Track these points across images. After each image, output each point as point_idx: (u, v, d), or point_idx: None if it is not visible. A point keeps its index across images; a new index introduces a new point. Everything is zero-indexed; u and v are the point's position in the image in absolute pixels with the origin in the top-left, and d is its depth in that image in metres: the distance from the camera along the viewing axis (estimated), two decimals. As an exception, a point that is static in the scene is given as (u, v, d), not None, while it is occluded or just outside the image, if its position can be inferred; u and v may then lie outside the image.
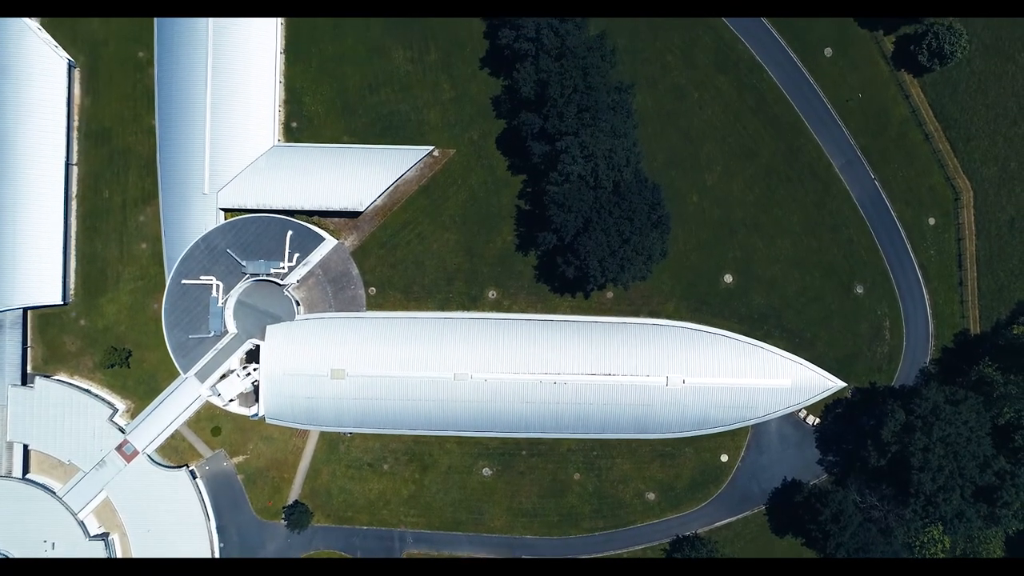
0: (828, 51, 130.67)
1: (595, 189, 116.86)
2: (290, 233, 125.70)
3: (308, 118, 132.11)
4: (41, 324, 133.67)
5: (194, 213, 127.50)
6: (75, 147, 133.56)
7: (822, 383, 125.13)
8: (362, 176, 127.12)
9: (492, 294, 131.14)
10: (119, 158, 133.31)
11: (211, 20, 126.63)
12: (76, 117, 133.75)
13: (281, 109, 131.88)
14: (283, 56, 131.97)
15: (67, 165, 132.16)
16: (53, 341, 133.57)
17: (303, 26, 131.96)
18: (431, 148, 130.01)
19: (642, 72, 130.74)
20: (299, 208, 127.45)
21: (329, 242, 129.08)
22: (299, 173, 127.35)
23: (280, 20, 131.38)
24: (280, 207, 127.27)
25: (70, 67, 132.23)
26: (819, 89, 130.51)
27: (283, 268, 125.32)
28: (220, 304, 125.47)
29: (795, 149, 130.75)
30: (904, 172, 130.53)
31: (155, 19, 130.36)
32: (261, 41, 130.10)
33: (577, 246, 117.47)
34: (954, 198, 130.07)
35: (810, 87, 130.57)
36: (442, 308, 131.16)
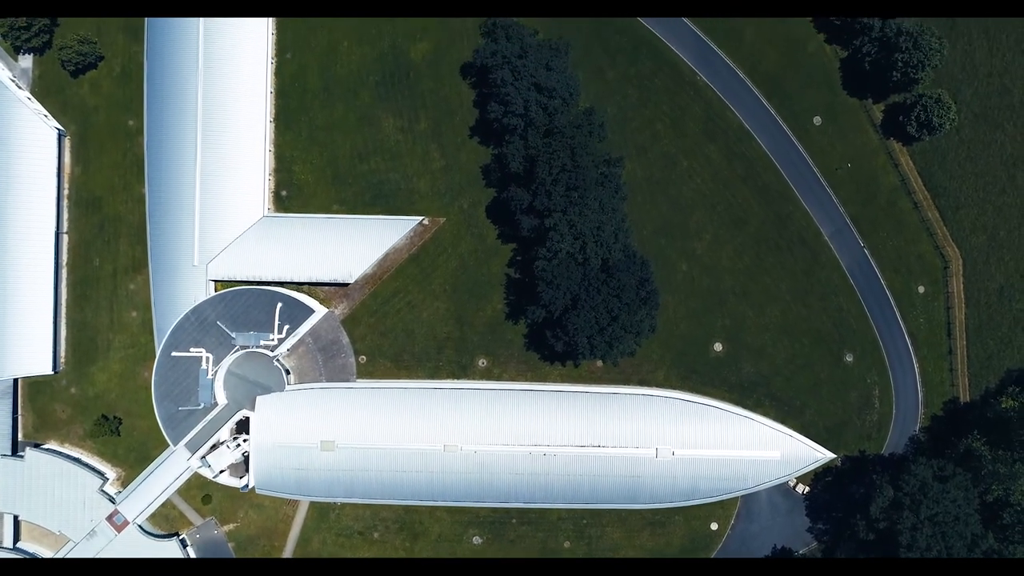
0: (817, 119, 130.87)
1: (583, 266, 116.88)
2: (280, 305, 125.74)
3: (298, 187, 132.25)
4: (31, 392, 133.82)
5: (184, 283, 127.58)
6: (65, 215, 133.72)
7: (811, 455, 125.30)
8: (352, 248, 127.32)
9: (482, 362, 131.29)
10: (109, 226, 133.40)
11: (200, 86, 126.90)
12: (66, 185, 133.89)
13: (271, 177, 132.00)
14: (273, 124, 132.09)
15: (57, 234, 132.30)
16: (43, 409, 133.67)
17: (293, 95, 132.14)
18: (421, 218, 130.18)
19: (631, 140, 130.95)
20: (289, 280, 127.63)
21: (319, 311, 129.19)
22: (289, 244, 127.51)
23: (271, 88, 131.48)
24: (270, 278, 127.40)
25: (60, 136, 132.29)
26: (808, 157, 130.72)
27: (273, 340, 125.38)
28: (210, 376, 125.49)
29: (784, 217, 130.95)
30: (893, 240, 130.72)
31: (145, 86, 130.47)
32: (251, 109, 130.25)
33: (566, 323, 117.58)
34: (943, 266, 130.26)
35: (799, 155, 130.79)
36: (432, 376, 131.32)
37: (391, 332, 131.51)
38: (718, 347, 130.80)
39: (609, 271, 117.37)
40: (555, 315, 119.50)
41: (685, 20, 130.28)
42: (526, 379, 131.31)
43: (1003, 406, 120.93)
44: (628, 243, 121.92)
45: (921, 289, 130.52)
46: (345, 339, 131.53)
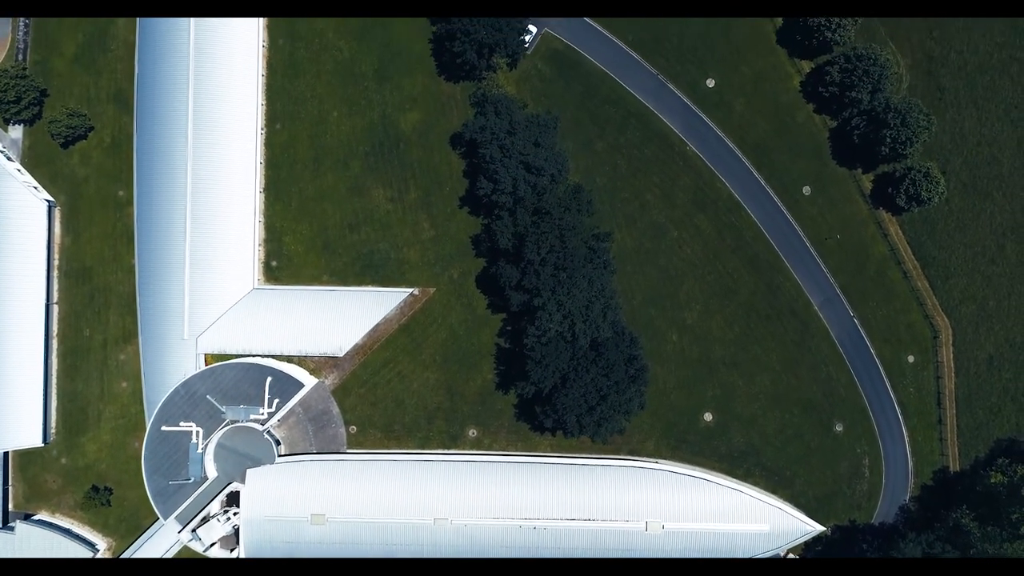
0: (807, 189, 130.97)
1: (572, 344, 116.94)
2: (269, 379, 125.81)
3: (288, 257, 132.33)
4: (23, 462, 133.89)
5: (174, 356, 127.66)
6: (55, 286, 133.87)
7: (801, 527, 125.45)
8: (342, 321, 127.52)
9: (472, 432, 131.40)
10: (99, 297, 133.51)
11: (190, 156, 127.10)
12: (56, 256, 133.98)
13: (261, 248, 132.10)
14: (263, 195, 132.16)
15: (47, 304, 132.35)
16: (34, 479, 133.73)
17: (283, 165, 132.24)
18: (411, 290, 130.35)
19: (621, 211, 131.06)
20: (279, 354, 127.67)
21: (309, 383, 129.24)
22: (279, 317, 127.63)
23: (261, 158, 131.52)
24: (260, 352, 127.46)
25: (50, 207, 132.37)
26: (798, 227, 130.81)
27: (263, 414, 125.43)
28: (200, 451, 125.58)
29: (774, 287, 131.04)
30: (883, 310, 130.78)
31: (135, 157, 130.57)
32: (241, 180, 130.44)
33: (555, 401, 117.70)
34: (933, 336, 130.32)
35: (789, 225, 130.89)
36: (422, 447, 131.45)
37: (381, 402, 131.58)
38: (708, 417, 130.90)
39: (598, 349, 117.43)
40: (544, 392, 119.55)
41: (674, 89, 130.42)
42: (516, 449, 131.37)
43: (992, 481, 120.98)
44: (617, 319, 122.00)
45: (911, 359, 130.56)
46: (335, 409, 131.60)
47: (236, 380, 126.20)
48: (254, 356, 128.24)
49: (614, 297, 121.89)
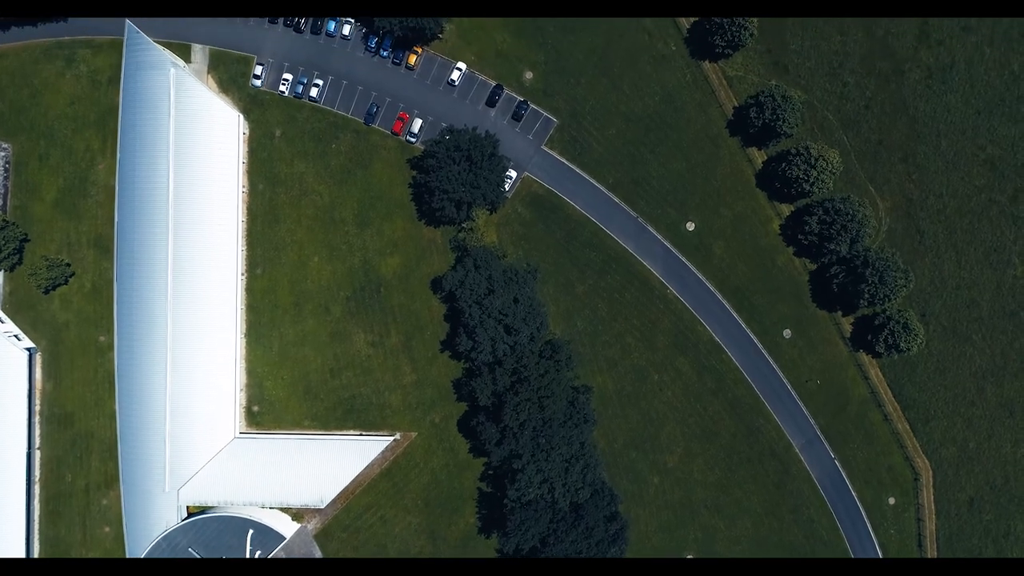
0: (787, 332, 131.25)
1: (552, 506, 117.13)
2: (251, 532, 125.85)
3: (270, 402, 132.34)
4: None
5: (156, 508, 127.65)
6: (37, 432, 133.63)
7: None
8: (324, 470, 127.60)
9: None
10: (81, 442, 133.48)
11: (170, 302, 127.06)
12: (38, 402, 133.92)
13: (243, 393, 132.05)
14: (244, 340, 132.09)
15: (29, 450, 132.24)
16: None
17: (264, 310, 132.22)
18: (393, 438, 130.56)
19: (602, 354, 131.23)
20: (261, 504, 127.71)
21: (291, 528, 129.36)
22: (260, 467, 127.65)
23: (241, 303, 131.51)
24: (242, 501, 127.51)
25: (31, 354, 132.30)
26: (779, 370, 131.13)
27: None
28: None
29: (755, 430, 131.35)
30: (864, 452, 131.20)
31: (115, 303, 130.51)
32: (222, 325, 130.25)
33: (537, 558, 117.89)
34: (914, 478, 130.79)
35: (770, 368, 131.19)
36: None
37: (364, 547, 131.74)
38: (690, 559, 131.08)
39: (578, 511, 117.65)
40: (524, 551, 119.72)
41: (654, 233, 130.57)
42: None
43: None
44: (597, 477, 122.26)
45: (892, 500, 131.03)
46: (318, 553, 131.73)
47: (218, 532, 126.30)
48: (236, 505, 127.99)
49: (594, 454, 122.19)
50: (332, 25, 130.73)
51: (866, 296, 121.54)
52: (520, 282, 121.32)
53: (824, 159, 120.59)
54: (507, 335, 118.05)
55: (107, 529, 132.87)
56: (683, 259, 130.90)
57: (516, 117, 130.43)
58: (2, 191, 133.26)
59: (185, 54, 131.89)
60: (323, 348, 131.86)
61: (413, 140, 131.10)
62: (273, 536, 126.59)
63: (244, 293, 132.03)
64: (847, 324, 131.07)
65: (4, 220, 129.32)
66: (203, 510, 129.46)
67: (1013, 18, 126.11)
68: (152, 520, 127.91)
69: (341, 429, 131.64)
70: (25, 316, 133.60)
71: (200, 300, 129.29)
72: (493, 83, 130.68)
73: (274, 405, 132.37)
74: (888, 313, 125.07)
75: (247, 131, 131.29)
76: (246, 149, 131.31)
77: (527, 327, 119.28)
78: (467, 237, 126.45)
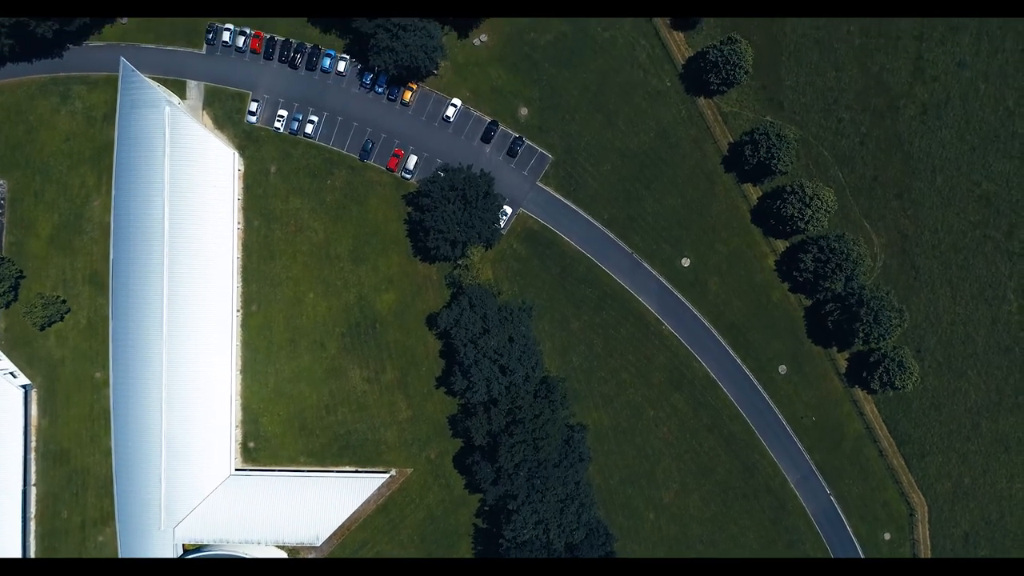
0: (783, 368, 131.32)
1: (547, 547, 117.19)
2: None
3: (266, 438, 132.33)
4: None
5: (151, 545, 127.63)
6: (33, 468, 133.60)
7: None
8: (319, 508, 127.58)
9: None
10: (77, 479, 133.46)
11: (165, 339, 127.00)
12: (34, 438, 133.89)
13: (238, 429, 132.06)
14: (240, 376, 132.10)
15: (25, 487, 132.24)
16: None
17: (259, 346, 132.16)
18: (388, 474, 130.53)
19: (598, 390, 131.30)
20: (257, 542, 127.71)
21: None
22: (256, 505, 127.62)
23: (237, 340, 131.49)
24: (238, 540, 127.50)
25: (27, 390, 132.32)
26: (774, 406, 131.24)
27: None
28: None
29: (750, 466, 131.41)
30: (859, 487, 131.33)
31: (111, 339, 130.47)
32: (217, 362, 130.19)
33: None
34: (909, 513, 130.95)
35: (765, 404, 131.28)
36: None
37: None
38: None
39: (573, 552, 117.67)
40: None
41: (649, 269, 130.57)
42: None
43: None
44: (592, 517, 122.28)
45: (887, 536, 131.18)
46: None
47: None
48: (232, 543, 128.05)
49: (590, 493, 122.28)
50: (327, 62, 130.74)
51: (861, 335, 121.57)
52: (515, 321, 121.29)
53: (819, 198, 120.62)
54: (502, 375, 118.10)
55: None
56: (678, 295, 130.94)
57: (511, 153, 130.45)
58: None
59: (180, 90, 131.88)
60: (318, 384, 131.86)
61: (408, 176, 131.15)
62: None
63: (239, 329, 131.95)
64: (842, 360, 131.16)
65: (0, 257, 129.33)
66: (199, 548, 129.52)
67: (1004, 55, 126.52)
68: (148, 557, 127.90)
69: (337, 465, 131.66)
70: (21, 353, 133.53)
71: (195, 337, 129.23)
72: (488, 119, 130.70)
73: (270, 441, 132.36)
74: (883, 350, 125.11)
75: (242, 167, 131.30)
76: (241, 185, 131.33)
77: (522, 367, 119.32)
78: (462, 274, 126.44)
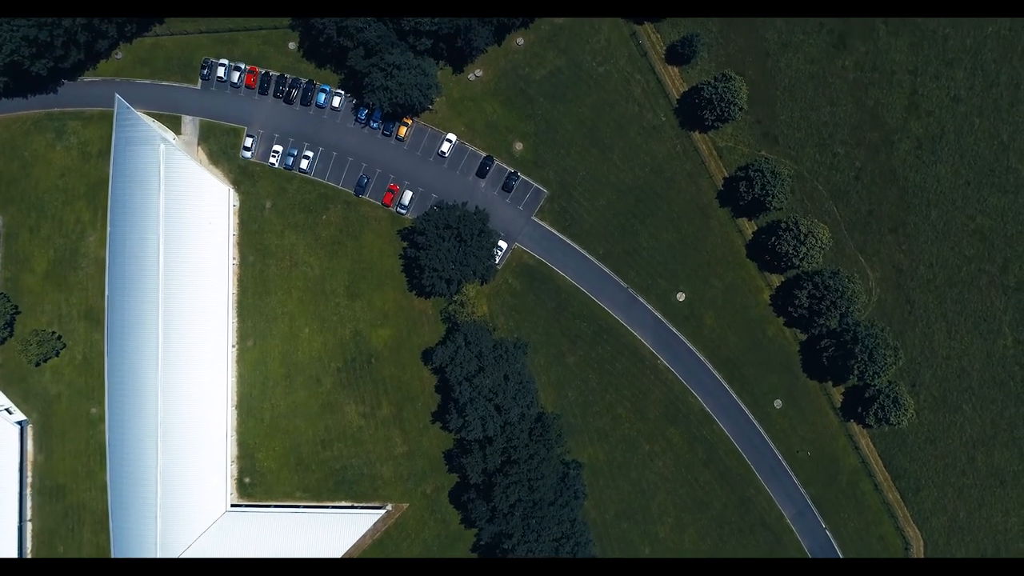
0: (778, 402, 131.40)
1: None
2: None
3: (261, 474, 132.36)
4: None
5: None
6: (29, 504, 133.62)
7: None
8: (316, 543, 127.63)
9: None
10: (73, 514, 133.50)
11: (160, 375, 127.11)
12: (30, 474, 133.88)
13: (234, 464, 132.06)
14: (235, 411, 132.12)
15: (21, 523, 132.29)
16: None
17: (255, 381, 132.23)
18: (384, 509, 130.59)
19: (593, 425, 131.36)
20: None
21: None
22: (252, 542, 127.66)
23: (232, 375, 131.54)
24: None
25: (23, 426, 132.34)
26: (769, 440, 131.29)
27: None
28: None
29: (746, 500, 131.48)
30: (855, 522, 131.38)
31: (106, 375, 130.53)
32: (213, 397, 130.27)
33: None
34: (905, 547, 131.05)
35: (760, 438, 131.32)
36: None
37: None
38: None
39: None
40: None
41: (645, 303, 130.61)
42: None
43: None
44: (588, 554, 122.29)
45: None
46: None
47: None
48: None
49: (585, 531, 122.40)
50: (322, 97, 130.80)
51: (856, 372, 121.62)
52: (510, 358, 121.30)
53: (813, 235, 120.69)
54: (497, 414, 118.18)
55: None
56: (674, 329, 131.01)
57: (506, 188, 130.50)
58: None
59: (175, 125, 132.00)
60: (314, 419, 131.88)
61: (403, 212, 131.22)
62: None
63: (235, 365, 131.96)
64: (838, 394, 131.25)
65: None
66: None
67: (999, 89, 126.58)
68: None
69: (333, 500, 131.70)
70: (16, 388, 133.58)
71: (191, 372, 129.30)
72: (483, 154, 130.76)
73: (265, 477, 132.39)
74: (878, 387, 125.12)
75: (237, 203, 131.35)
76: (236, 221, 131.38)
77: (517, 405, 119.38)
78: (457, 310, 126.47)
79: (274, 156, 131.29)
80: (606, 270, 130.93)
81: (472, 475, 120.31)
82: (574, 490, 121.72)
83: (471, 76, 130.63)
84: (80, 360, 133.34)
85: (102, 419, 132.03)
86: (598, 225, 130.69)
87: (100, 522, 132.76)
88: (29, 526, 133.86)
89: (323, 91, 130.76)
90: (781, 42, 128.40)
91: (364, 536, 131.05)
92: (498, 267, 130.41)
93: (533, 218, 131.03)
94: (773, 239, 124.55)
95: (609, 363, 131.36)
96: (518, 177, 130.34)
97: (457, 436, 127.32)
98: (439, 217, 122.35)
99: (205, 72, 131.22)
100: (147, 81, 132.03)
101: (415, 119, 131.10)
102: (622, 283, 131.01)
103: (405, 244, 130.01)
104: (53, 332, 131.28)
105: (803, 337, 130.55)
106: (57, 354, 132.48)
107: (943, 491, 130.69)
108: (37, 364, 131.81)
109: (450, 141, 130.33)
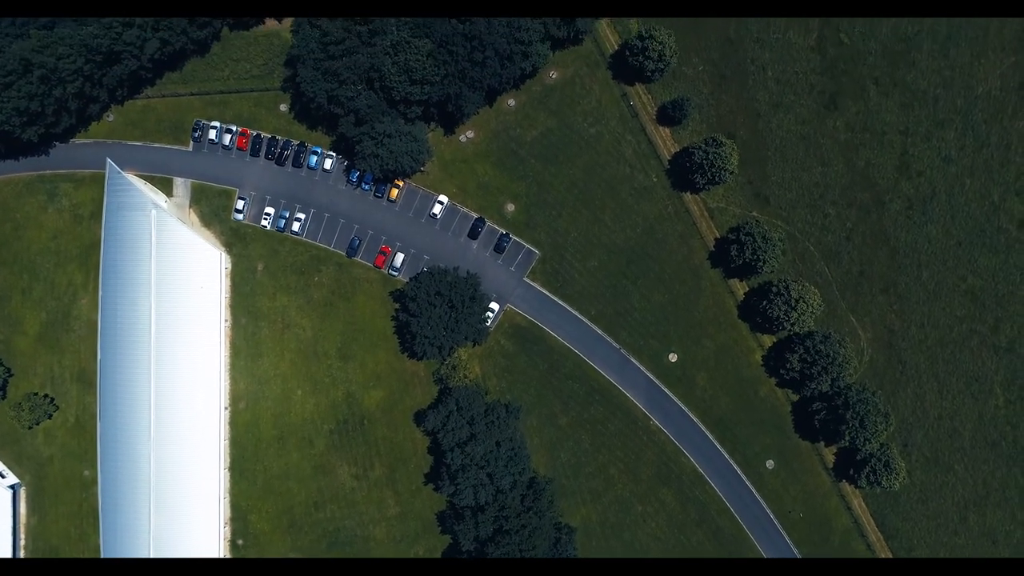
0: (770, 463, 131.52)
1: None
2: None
3: (254, 535, 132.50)
4: None
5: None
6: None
7: None
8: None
9: None
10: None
11: (153, 438, 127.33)
12: (23, 536, 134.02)
13: (227, 527, 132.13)
14: (228, 473, 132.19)
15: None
16: None
17: (247, 443, 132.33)
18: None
19: (586, 486, 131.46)
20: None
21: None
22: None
23: (225, 437, 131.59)
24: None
25: (15, 489, 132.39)
26: (762, 500, 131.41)
27: None
28: None
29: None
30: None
31: (98, 438, 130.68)
32: (205, 460, 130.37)
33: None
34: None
35: (753, 498, 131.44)
36: None
37: None
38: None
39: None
40: None
41: (637, 364, 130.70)
42: None
43: None
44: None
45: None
46: None
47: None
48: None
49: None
50: (313, 159, 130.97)
51: (847, 436, 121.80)
52: (502, 424, 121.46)
53: (804, 300, 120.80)
54: (489, 481, 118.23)
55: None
56: (666, 390, 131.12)
57: (498, 249, 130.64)
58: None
59: (167, 187, 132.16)
60: (307, 481, 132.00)
61: (396, 273, 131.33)
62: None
63: (227, 427, 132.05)
64: (830, 455, 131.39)
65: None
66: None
67: (989, 149, 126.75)
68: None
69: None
70: (9, 451, 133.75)
71: (183, 435, 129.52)
72: (475, 215, 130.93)
73: (258, 539, 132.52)
74: (870, 450, 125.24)
75: (229, 265, 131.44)
76: (228, 283, 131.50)
77: (509, 473, 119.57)
78: (449, 374, 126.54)
79: (266, 218, 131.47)
80: (598, 331, 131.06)
81: (464, 543, 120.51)
82: (566, 555, 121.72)
83: (462, 138, 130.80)
84: (73, 422, 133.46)
85: (95, 481, 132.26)
86: (590, 286, 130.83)
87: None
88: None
89: (314, 153, 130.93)
90: (772, 103, 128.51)
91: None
92: (490, 329, 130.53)
93: (525, 279, 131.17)
94: (764, 303, 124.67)
95: (602, 424, 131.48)
96: (510, 238, 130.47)
97: (449, 499, 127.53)
98: (430, 283, 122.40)
99: (197, 134, 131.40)
100: (139, 143, 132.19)
101: (407, 181, 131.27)
102: (614, 344, 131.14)
103: (397, 306, 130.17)
104: (45, 395, 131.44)
105: (795, 398, 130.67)
106: (50, 417, 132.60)
107: (935, 551, 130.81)
108: (30, 426, 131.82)
109: (442, 203, 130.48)
